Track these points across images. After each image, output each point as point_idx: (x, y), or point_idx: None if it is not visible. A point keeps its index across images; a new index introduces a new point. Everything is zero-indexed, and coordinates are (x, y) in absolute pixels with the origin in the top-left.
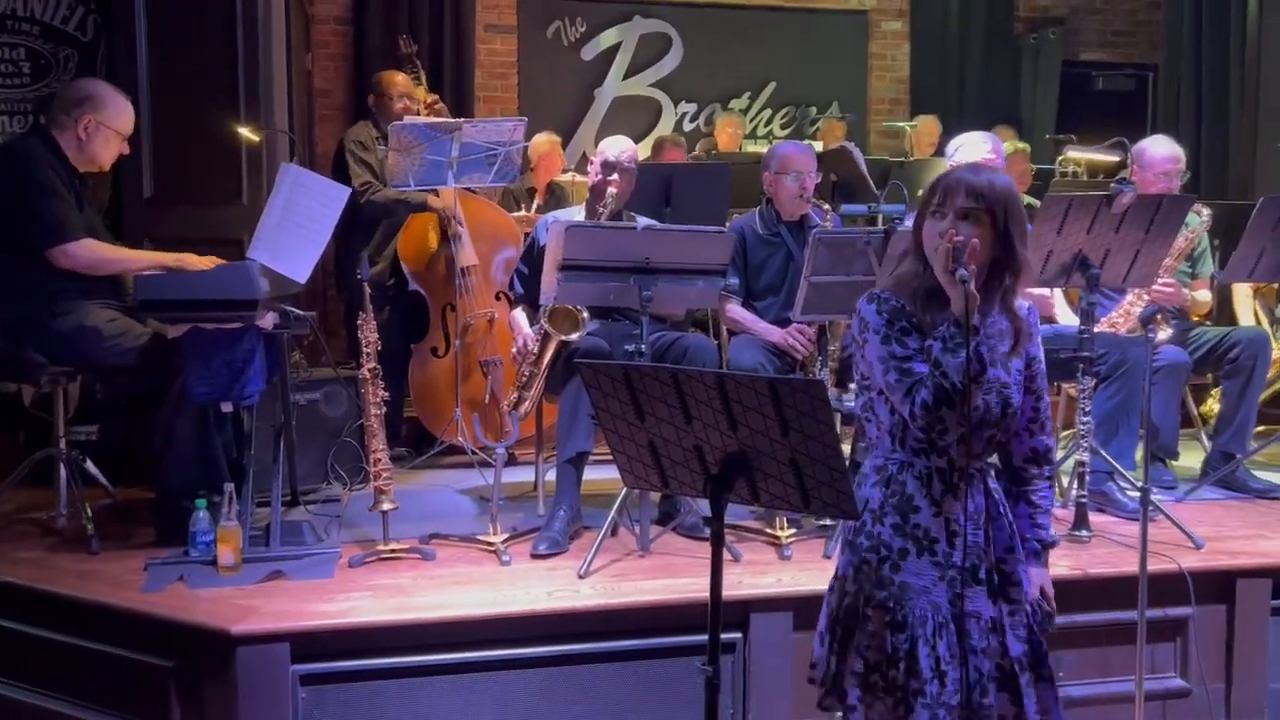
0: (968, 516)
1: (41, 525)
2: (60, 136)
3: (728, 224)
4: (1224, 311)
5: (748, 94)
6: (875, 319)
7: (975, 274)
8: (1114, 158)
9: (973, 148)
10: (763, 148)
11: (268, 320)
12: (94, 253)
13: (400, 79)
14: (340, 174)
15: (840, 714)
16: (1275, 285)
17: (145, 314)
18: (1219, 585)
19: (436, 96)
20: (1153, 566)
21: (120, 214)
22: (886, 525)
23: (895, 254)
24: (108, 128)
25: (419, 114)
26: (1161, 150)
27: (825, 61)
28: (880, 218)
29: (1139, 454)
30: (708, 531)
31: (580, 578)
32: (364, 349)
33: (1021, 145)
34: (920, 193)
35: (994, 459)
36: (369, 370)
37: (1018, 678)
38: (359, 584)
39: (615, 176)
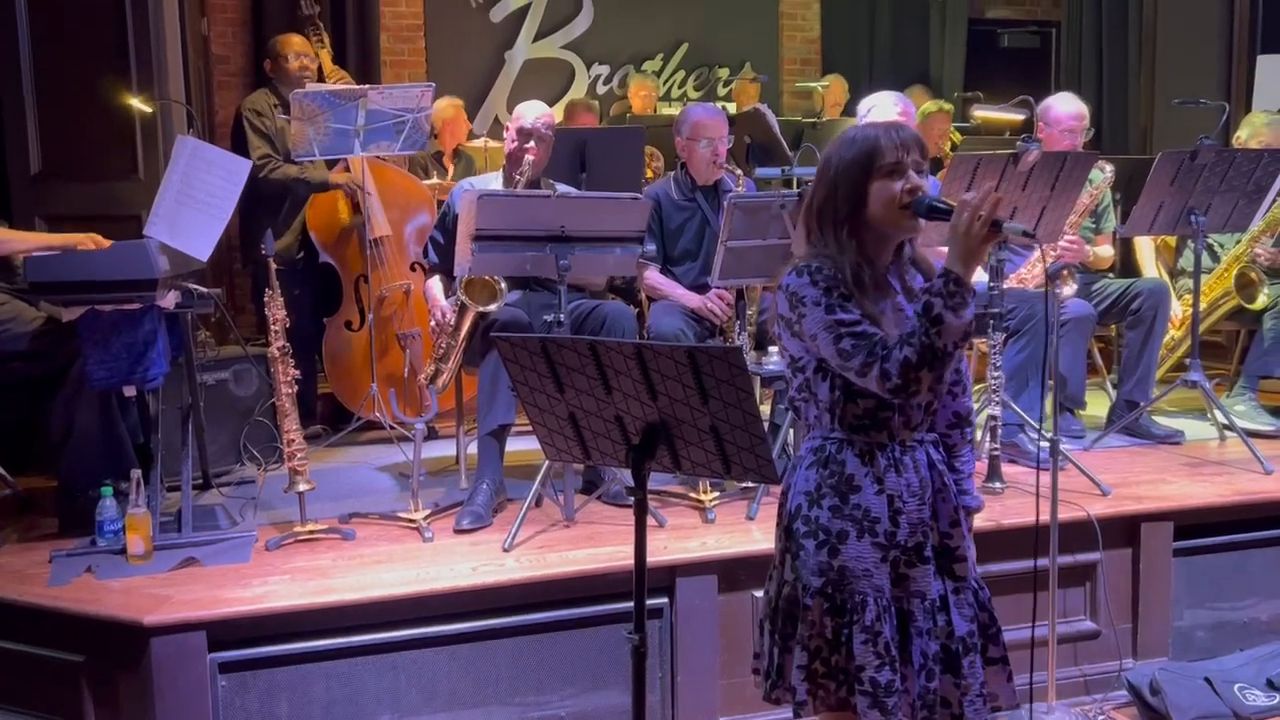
0: (911, 492)
1: None
2: None
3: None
4: (1126, 264)
5: (660, 55)
6: (811, 291)
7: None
8: (1019, 116)
9: (884, 108)
10: (677, 109)
11: (169, 299)
12: None
13: (296, 39)
14: (240, 145)
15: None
16: (1173, 240)
17: (37, 297)
18: (1125, 529)
19: (344, 74)
20: (1063, 515)
21: (7, 192)
22: (824, 508)
23: None
24: None
25: (318, 73)
26: (1066, 108)
27: (737, 22)
28: (795, 180)
29: (1048, 405)
30: (632, 500)
31: (505, 551)
32: (272, 326)
33: (945, 105)
34: None
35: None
36: (278, 349)
37: (961, 659)
38: (277, 567)
39: (532, 144)
